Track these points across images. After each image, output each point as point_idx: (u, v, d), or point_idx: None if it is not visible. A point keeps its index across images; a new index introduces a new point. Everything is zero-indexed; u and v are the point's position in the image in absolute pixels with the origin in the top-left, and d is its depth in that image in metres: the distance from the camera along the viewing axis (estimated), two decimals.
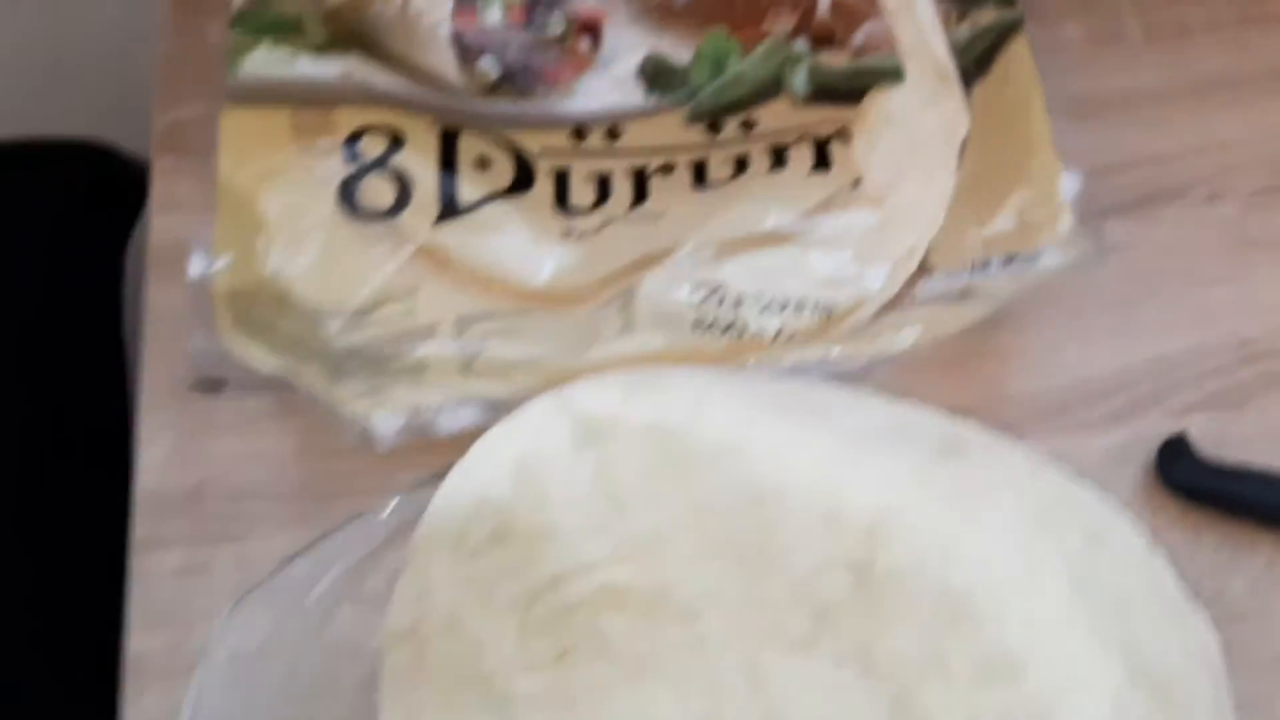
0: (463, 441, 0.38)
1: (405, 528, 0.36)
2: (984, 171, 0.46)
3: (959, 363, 0.46)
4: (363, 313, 0.44)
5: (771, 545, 0.32)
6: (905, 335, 0.43)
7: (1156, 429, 0.45)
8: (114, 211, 0.62)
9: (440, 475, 0.37)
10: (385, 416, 0.43)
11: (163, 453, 0.46)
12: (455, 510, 0.35)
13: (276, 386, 0.44)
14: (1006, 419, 0.46)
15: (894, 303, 0.45)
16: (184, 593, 0.44)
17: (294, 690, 0.40)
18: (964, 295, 0.43)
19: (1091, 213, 0.47)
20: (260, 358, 0.44)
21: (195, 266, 0.45)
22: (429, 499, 0.36)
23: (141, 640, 0.43)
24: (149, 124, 0.51)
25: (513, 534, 0.34)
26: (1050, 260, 0.43)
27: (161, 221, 0.49)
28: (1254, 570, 0.43)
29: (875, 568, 0.32)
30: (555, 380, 0.41)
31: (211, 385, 0.46)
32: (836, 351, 0.43)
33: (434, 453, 0.40)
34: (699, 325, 0.44)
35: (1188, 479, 0.43)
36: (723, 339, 0.43)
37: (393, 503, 0.38)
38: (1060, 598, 0.32)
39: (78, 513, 0.56)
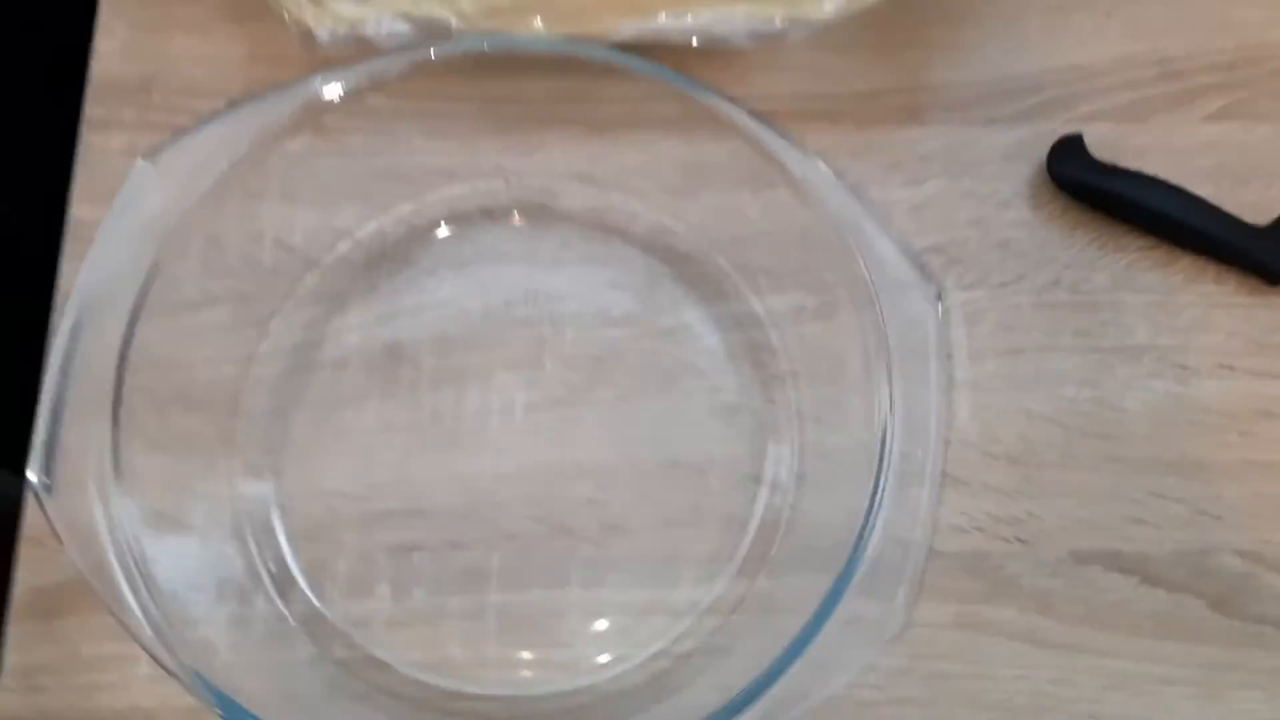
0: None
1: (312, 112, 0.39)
2: None
3: (882, 48, 0.48)
4: None
5: None
6: (829, 3, 0.44)
7: (1058, 131, 0.46)
8: None
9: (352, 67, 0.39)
10: (327, 26, 0.45)
11: (119, 43, 0.48)
12: None
13: None
14: (914, 103, 0.48)
15: None
16: (127, 171, 0.47)
17: (214, 262, 0.43)
18: None
19: None
20: None
21: None
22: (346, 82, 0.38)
23: (83, 209, 0.46)
24: None
25: None
26: None
27: None
28: (1116, 268, 0.45)
29: None
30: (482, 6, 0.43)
31: None
32: (754, 10, 0.44)
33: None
34: None
35: (1074, 174, 0.44)
36: None
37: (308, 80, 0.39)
38: None
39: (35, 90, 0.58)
